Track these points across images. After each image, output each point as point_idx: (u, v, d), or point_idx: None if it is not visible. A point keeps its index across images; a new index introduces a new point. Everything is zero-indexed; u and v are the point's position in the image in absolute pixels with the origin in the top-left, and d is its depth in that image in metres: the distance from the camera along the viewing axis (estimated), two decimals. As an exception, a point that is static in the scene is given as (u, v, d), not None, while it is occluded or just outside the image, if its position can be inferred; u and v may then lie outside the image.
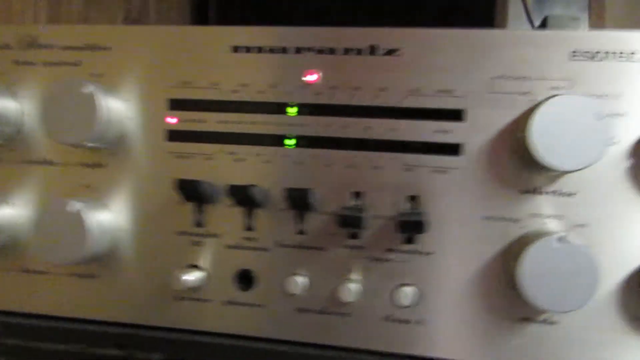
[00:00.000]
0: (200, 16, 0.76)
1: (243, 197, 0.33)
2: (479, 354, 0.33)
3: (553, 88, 0.32)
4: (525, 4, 0.62)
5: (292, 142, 0.35)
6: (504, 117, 0.32)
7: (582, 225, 0.31)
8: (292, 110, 0.35)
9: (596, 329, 0.31)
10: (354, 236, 0.34)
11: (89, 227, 0.35)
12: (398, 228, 0.31)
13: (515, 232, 0.32)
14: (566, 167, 0.29)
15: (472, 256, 0.33)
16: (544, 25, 0.48)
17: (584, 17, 0.63)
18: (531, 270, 0.29)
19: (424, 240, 0.33)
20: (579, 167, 0.29)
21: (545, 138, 0.29)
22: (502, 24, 0.68)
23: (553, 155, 0.29)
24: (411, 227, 0.30)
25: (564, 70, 0.32)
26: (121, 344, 0.36)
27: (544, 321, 0.32)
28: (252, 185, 0.34)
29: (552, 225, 0.32)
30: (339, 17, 0.69)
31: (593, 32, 0.32)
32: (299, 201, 0.33)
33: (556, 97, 0.29)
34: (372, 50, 0.34)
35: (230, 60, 0.36)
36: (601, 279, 0.29)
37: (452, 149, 0.33)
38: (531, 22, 0.63)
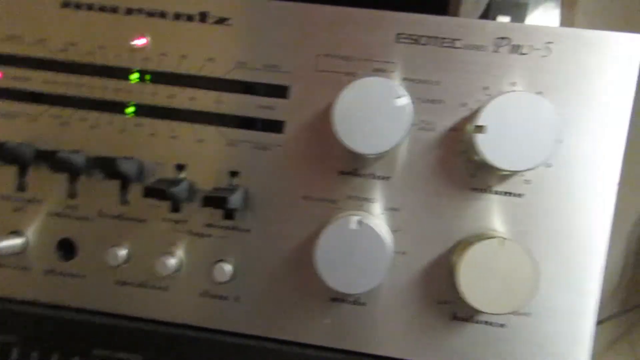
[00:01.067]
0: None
1: (54, 162, 0.32)
2: (290, 332, 0.33)
3: (376, 70, 0.31)
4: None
5: (118, 108, 0.34)
6: (328, 97, 0.32)
7: (394, 209, 0.32)
8: (121, 74, 0.33)
9: (403, 311, 0.32)
10: (175, 209, 0.33)
11: None
12: (201, 203, 0.30)
13: (333, 213, 0.32)
14: (364, 151, 0.28)
15: (288, 235, 0.32)
16: (488, 9, 0.47)
17: (556, 8, 0.62)
18: (326, 250, 0.29)
19: (243, 217, 0.33)
20: (376, 151, 0.28)
21: (346, 121, 0.28)
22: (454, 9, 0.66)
23: (353, 139, 0.28)
24: (212, 202, 0.30)
25: (388, 52, 0.31)
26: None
27: (354, 302, 0.32)
28: (76, 151, 0.33)
29: (366, 207, 0.32)
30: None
31: (418, 15, 0.31)
32: (108, 170, 0.32)
33: (357, 80, 0.28)
34: (203, 17, 0.33)
35: (59, 15, 0.34)
36: (393, 262, 0.29)
37: (275, 126, 0.32)
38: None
